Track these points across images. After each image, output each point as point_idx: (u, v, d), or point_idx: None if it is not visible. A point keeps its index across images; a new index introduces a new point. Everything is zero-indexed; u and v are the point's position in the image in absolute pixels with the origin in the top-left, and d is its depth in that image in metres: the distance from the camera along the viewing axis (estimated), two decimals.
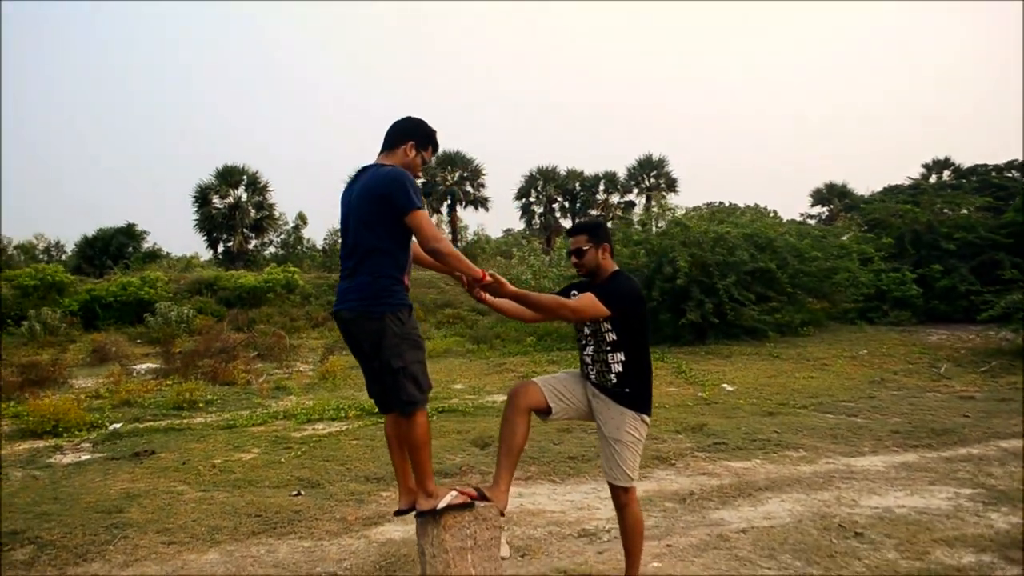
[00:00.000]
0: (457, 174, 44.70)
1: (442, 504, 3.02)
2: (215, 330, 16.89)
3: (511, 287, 3.00)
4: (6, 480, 5.92)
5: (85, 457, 6.71)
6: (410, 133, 3.10)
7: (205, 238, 40.82)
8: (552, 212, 47.61)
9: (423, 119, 3.16)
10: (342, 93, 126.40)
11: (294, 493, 5.44)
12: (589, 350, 3.36)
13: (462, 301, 23.10)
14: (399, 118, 3.14)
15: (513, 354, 13.75)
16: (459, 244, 48.06)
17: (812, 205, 44.47)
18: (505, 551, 4.21)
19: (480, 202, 44.92)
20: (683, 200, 54.74)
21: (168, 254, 38.25)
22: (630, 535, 3.35)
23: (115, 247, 36.98)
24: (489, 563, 3.12)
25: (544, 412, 3.32)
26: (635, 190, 46.37)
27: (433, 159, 3.22)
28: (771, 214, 19.94)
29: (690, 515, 4.68)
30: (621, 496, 3.32)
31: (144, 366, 13.15)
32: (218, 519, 4.81)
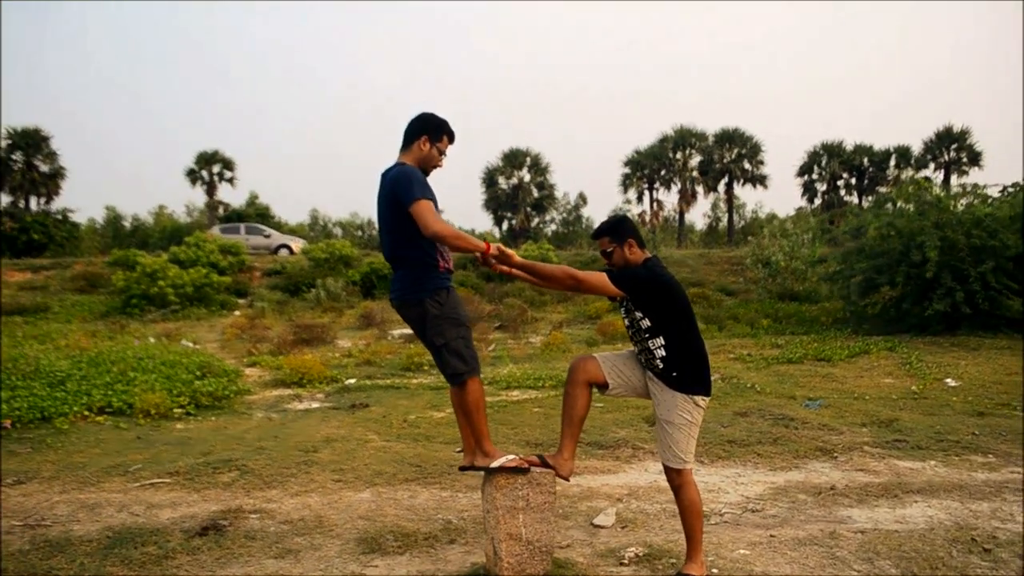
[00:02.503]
0: (735, 151, 43.43)
1: (495, 464, 3.35)
2: (469, 302, 18.40)
3: (517, 258, 3.24)
4: (250, 419, 7.28)
5: (315, 405, 7.96)
6: (421, 128, 3.34)
7: (491, 216, 44.51)
8: (836, 190, 44.32)
9: (432, 112, 3.40)
10: (615, 81, 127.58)
11: (458, 450, 6.04)
12: (634, 340, 3.45)
13: (712, 280, 22.70)
14: (412, 116, 3.39)
15: (739, 335, 13.33)
16: (736, 224, 46.69)
17: None
18: (609, 520, 4.42)
19: (758, 180, 43.41)
20: (990, 177, 47.97)
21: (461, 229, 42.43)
22: (687, 517, 3.39)
23: None
24: (541, 525, 3.39)
25: (602, 386, 3.48)
26: (931, 165, 41.58)
27: (450, 147, 3.42)
28: None
29: (817, 509, 4.48)
30: (675, 478, 3.38)
31: (399, 331, 14.81)
32: (385, 465, 5.55)
